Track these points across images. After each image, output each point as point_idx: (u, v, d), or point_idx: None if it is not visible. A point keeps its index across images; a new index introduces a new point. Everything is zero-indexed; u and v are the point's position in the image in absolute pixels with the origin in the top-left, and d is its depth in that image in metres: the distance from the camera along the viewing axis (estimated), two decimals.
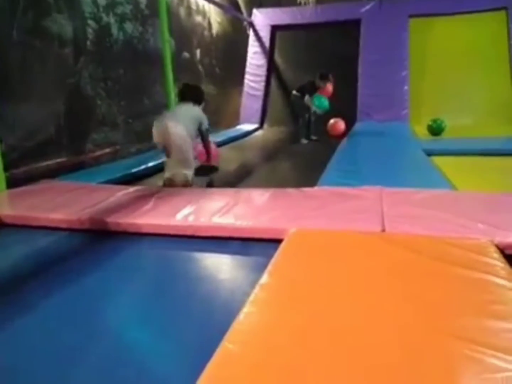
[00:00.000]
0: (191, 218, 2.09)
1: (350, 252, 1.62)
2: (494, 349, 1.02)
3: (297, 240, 1.75)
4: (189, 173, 3.15)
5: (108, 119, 4.52)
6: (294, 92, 5.96)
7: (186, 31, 6.34)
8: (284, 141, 6.41)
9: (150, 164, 4.01)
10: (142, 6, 5.08)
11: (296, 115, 6.25)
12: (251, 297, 1.27)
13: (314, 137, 5.98)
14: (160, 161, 4.15)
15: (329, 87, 5.77)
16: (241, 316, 1.17)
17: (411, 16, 7.15)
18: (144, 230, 2.10)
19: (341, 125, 5.88)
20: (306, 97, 5.71)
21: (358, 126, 6.41)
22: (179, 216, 2.13)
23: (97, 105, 4.33)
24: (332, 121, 5.95)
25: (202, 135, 3.42)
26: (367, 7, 7.42)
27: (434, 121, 5.25)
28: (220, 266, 1.82)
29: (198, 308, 1.45)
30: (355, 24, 7.37)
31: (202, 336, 1.25)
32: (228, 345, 1.04)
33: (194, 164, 3.29)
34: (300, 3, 7.16)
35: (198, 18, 6.79)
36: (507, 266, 1.48)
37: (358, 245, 1.68)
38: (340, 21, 7.44)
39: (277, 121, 7.82)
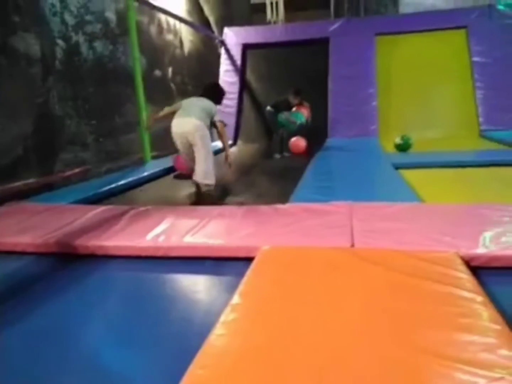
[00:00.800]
0: (161, 239, 2.07)
1: (320, 268, 1.63)
2: (460, 363, 1.04)
3: (269, 258, 1.75)
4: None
5: (78, 139, 4.45)
6: (268, 108, 6.02)
7: (157, 49, 6.35)
8: (257, 158, 6.45)
9: (121, 182, 3.96)
10: (112, 25, 5.07)
11: (271, 130, 6.31)
12: (221, 319, 1.26)
13: (286, 154, 6.04)
14: (130, 179, 4.12)
15: (305, 110, 5.88)
16: (211, 339, 1.16)
17: (377, 34, 7.40)
18: (113, 253, 2.06)
19: (301, 142, 5.95)
20: (282, 114, 5.79)
21: (329, 142, 6.53)
22: (149, 236, 2.11)
23: (67, 124, 4.27)
24: (293, 139, 6.01)
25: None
26: (335, 26, 7.64)
27: (401, 138, 5.37)
28: (192, 287, 1.80)
29: (169, 331, 1.42)
30: (324, 42, 7.57)
31: (172, 360, 1.22)
32: (196, 370, 1.02)
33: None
34: (269, 22, 7.30)
35: (170, 36, 6.82)
36: (472, 279, 1.52)
37: (328, 261, 1.70)
38: (310, 40, 7.63)
39: (250, 138, 7.88)
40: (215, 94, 3.89)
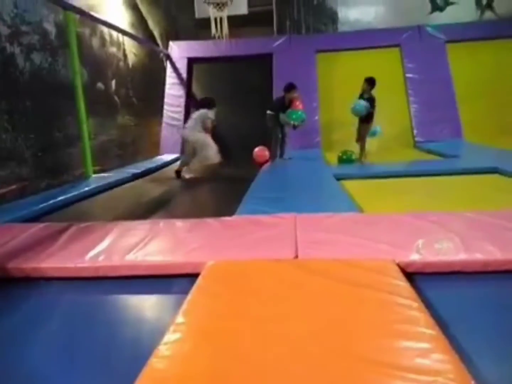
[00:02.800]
0: (101, 258, 2.00)
1: (265, 282, 1.65)
2: (396, 369, 1.09)
3: (214, 274, 1.75)
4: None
5: (15, 154, 4.23)
6: (268, 112, 5.84)
7: (100, 62, 6.20)
8: (205, 170, 6.43)
9: (60, 198, 3.79)
10: (51, 36, 4.90)
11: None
12: (164, 340, 1.24)
13: (287, 157, 5.98)
14: (71, 194, 3.96)
15: (299, 104, 5.76)
16: (151, 362, 1.13)
17: (317, 51, 7.70)
18: (50, 274, 1.96)
19: (265, 152, 6.02)
20: (281, 115, 5.67)
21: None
22: (89, 256, 2.03)
23: (1, 139, 4.04)
24: (256, 149, 6.09)
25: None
26: (278, 42, 7.86)
27: (344, 152, 5.53)
28: (135, 307, 1.76)
29: (110, 355, 1.37)
30: (268, 57, 7.76)
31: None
32: None
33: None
34: (214, 37, 7.38)
35: (113, 49, 6.69)
36: (407, 285, 1.61)
37: (272, 273, 1.73)
38: (254, 55, 7.79)
39: None
40: (205, 103, 5.36)
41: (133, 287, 1.87)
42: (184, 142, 5.43)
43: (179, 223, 2.56)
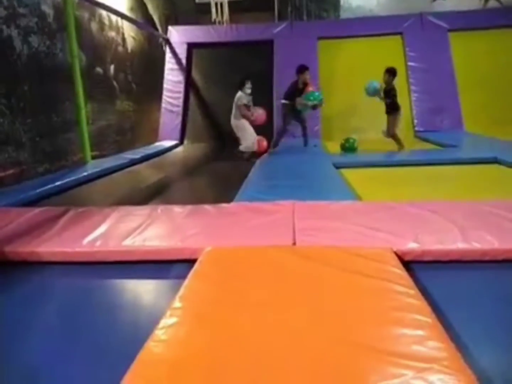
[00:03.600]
0: (99, 243, 1.99)
1: (263, 268, 1.65)
2: (392, 356, 1.09)
3: (211, 259, 1.74)
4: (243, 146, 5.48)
5: (12, 138, 4.19)
6: (283, 101, 5.66)
7: (98, 46, 6.12)
8: (204, 158, 6.42)
9: (58, 183, 3.78)
10: (49, 19, 4.82)
11: (218, 129, 6.21)
12: (160, 324, 1.24)
13: (313, 144, 5.92)
14: (69, 179, 3.95)
15: (309, 87, 5.63)
16: (147, 346, 1.14)
17: (319, 38, 7.61)
18: (47, 259, 1.95)
19: (264, 142, 5.95)
20: (298, 99, 5.49)
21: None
22: (86, 240, 2.02)
23: None
24: (257, 138, 5.99)
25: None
26: (279, 28, 7.77)
27: (347, 140, 5.44)
28: (132, 292, 1.76)
29: (108, 339, 1.38)
30: (269, 43, 7.68)
31: (111, 369, 1.18)
32: (130, 380, 1.00)
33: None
34: (214, 22, 7.28)
35: (112, 33, 6.60)
36: (404, 273, 1.61)
37: (270, 260, 1.72)
38: (254, 41, 7.70)
39: (197, 138, 7.82)
40: (238, 85, 5.51)
41: (130, 272, 1.87)
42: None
43: (177, 209, 2.55)
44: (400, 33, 7.58)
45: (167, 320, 1.26)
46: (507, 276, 1.76)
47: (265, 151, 5.83)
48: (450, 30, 7.55)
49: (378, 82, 5.41)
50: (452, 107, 7.11)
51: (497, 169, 4.05)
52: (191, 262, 1.78)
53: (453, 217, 2.21)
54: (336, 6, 8.73)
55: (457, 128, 6.90)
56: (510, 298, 1.59)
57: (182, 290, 1.45)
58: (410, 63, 7.40)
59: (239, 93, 5.47)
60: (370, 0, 8.71)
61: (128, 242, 2.00)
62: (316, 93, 5.64)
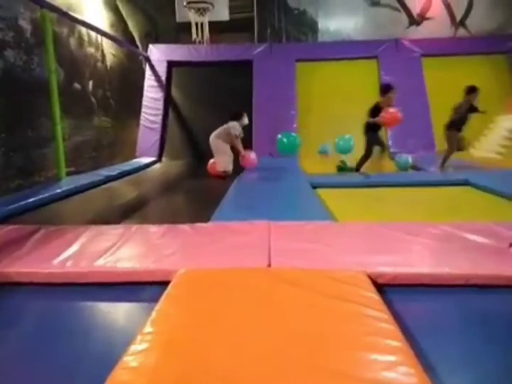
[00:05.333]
0: (69, 263, 1.95)
1: (236, 291, 1.64)
2: (363, 382, 1.09)
3: (185, 282, 1.72)
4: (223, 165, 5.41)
5: None
6: (370, 120, 5.10)
7: (77, 62, 6.08)
8: (182, 175, 6.38)
9: (30, 200, 3.68)
10: (27, 33, 4.79)
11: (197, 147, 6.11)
12: (129, 350, 1.21)
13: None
14: (42, 196, 3.86)
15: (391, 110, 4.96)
16: (114, 374, 1.10)
17: (297, 60, 7.79)
18: (16, 280, 1.89)
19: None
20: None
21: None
22: (57, 261, 1.97)
23: None
24: (211, 161, 5.87)
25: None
26: (259, 49, 7.92)
27: (343, 162, 5.67)
28: (103, 316, 1.71)
29: (76, 365, 1.33)
30: (248, 64, 7.79)
31: None
32: None
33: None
34: (195, 41, 7.36)
35: (91, 49, 6.58)
36: (377, 297, 1.62)
37: (244, 282, 1.71)
38: (234, 61, 7.81)
39: (176, 155, 7.80)
40: (234, 116, 5.59)
41: (101, 294, 1.82)
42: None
43: (152, 229, 2.52)
44: (376, 57, 7.84)
45: (136, 346, 1.23)
46: (477, 300, 1.79)
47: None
48: (423, 55, 7.85)
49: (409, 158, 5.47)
50: (425, 130, 7.33)
51: (470, 191, 4.17)
52: (164, 284, 1.75)
53: (426, 240, 2.26)
54: (314, 29, 8.95)
55: (429, 150, 7.10)
56: (480, 322, 1.62)
57: (153, 314, 1.43)
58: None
59: (235, 123, 5.51)
60: (347, 25, 8.97)
61: (99, 263, 1.96)
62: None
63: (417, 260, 1.99)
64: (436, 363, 1.31)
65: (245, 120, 5.67)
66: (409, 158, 5.57)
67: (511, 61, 7.81)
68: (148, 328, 1.33)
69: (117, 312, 1.74)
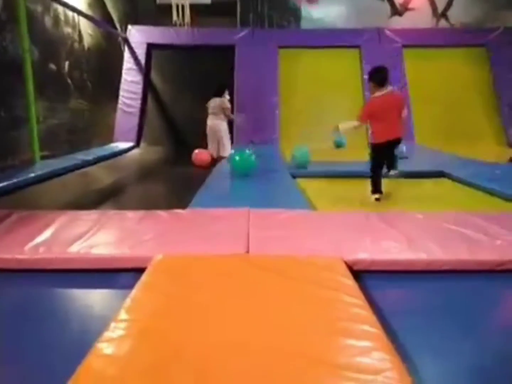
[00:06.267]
0: (42, 249, 1.89)
1: (214, 277, 1.63)
2: (336, 367, 1.10)
3: (161, 268, 1.70)
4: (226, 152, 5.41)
5: None
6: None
7: (52, 42, 5.87)
8: (161, 161, 6.30)
9: (2, 184, 3.58)
10: None
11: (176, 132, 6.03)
12: (102, 337, 1.18)
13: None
14: (15, 180, 3.75)
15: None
16: (87, 361, 1.08)
17: (280, 47, 7.72)
18: None
19: (204, 155, 5.76)
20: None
21: (234, 148, 6.60)
22: (29, 246, 1.91)
23: None
24: (196, 151, 5.82)
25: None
26: (241, 34, 7.81)
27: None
28: (75, 302, 1.67)
29: (45, 352, 1.30)
30: (230, 49, 7.69)
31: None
32: None
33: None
34: (175, 24, 7.20)
35: (67, 29, 6.36)
36: (353, 283, 1.63)
37: (222, 269, 1.70)
38: (216, 45, 7.69)
39: (154, 140, 7.68)
40: (218, 92, 5.69)
41: (75, 280, 1.78)
42: (209, 129, 5.76)
43: (128, 214, 2.48)
44: (358, 46, 7.83)
45: (110, 334, 1.21)
46: (450, 286, 1.83)
47: (207, 164, 5.58)
48: (404, 46, 7.89)
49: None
50: (404, 120, 7.39)
51: (445, 182, 4.24)
52: (140, 270, 1.72)
53: (402, 228, 2.28)
54: (297, 16, 8.89)
55: (408, 140, 7.18)
56: (452, 308, 1.65)
57: (127, 301, 1.40)
58: (366, 76, 7.64)
59: (220, 99, 5.65)
60: (331, 13, 8.93)
61: (73, 249, 1.91)
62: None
63: (393, 247, 2.01)
64: (411, 349, 1.33)
65: (227, 94, 5.77)
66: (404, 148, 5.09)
67: (490, 54, 7.92)
68: (122, 316, 1.31)
69: (92, 299, 1.71)
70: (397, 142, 3.55)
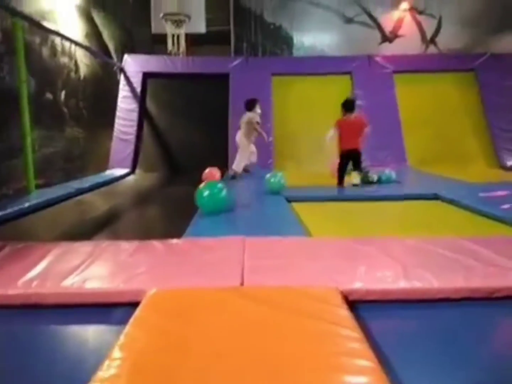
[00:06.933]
0: (35, 284, 1.87)
1: (207, 312, 1.62)
2: None
3: (155, 303, 1.68)
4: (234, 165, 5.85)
5: None
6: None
7: (49, 72, 5.96)
8: (156, 187, 6.32)
9: None
10: None
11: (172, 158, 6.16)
12: (95, 377, 1.17)
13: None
14: (9, 210, 3.73)
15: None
16: None
17: (273, 74, 7.88)
18: None
19: (216, 173, 5.92)
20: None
21: (228, 174, 6.64)
22: (22, 281, 1.89)
23: None
24: (207, 170, 5.95)
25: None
26: (235, 63, 7.98)
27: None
28: (68, 339, 1.64)
29: None
30: (225, 77, 7.83)
31: None
32: None
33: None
34: (170, 53, 7.36)
35: (64, 59, 6.47)
36: (349, 314, 1.62)
37: (216, 302, 1.69)
38: (211, 73, 7.84)
39: (150, 166, 7.72)
40: (248, 107, 5.93)
41: (68, 316, 1.76)
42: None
43: (122, 245, 2.47)
44: (349, 73, 8.01)
45: (103, 373, 1.19)
46: (445, 315, 1.83)
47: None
48: (395, 72, 8.07)
49: None
50: (396, 143, 7.51)
51: (439, 205, 4.28)
52: (134, 305, 1.70)
53: (396, 255, 2.29)
54: (289, 44, 9.11)
55: (401, 163, 7.27)
56: (447, 337, 1.64)
57: (121, 338, 1.39)
58: (357, 101, 7.78)
59: (251, 114, 5.83)
60: (322, 40, 9.17)
61: (67, 283, 1.89)
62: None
63: (387, 275, 2.01)
64: (408, 381, 1.32)
65: (258, 109, 5.92)
66: (393, 173, 5.52)
67: (478, 78, 8.11)
68: (115, 354, 1.29)
69: (84, 335, 1.68)
70: (355, 152, 5.04)
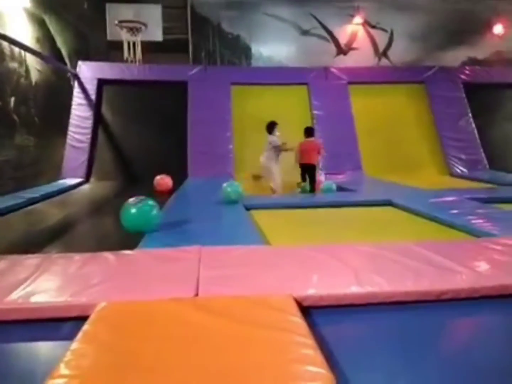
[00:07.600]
0: None
1: (159, 325, 1.58)
2: None
3: (104, 317, 1.62)
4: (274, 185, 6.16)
5: None
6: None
7: None
8: (111, 196, 6.15)
9: None
10: None
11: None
12: None
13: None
14: None
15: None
16: None
17: (232, 83, 7.93)
18: None
19: (168, 181, 5.90)
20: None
21: (187, 182, 6.59)
22: None
23: None
24: (158, 177, 5.92)
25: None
26: (194, 71, 7.96)
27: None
28: (11, 357, 1.55)
29: None
30: (183, 85, 7.78)
31: None
32: None
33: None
34: (126, 60, 7.23)
35: (13, 65, 6.20)
36: (302, 321, 1.63)
37: (168, 315, 1.65)
38: (168, 81, 7.77)
39: (105, 175, 7.52)
40: (268, 130, 6.32)
41: (12, 333, 1.67)
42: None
43: (73, 257, 2.37)
44: (306, 83, 8.19)
45: None
46: (397, 318, 1.87)
47: (170, 190, 5.70)
48: (350, 83, 8.33)
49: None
50: (352, 152, 7.73)
51: (391, 211, 4.43)
52: (84, 319, 1.64)
53: (349, 261, 2.34)
54: (247, 54, 9.21)
55: (357, 170, 7.48)
56: (398, 340, 1.69)
57: (67, 355, 1.33)
58: (314, 111, 7.98)
59: (272, 137, 6.19)
60: (280, 52, 9.34)
61: (11, 298, 1.80)
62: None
63: (340, 281, 2.05)
64: None
65: (277, 132, 6.30)
66: (333, 185, 5.88)
67: (428, 90, 8.52)
68: (60, 371, 1.23)
69: (29, 353, 1.60)
70: (309, 165, 6.15)
